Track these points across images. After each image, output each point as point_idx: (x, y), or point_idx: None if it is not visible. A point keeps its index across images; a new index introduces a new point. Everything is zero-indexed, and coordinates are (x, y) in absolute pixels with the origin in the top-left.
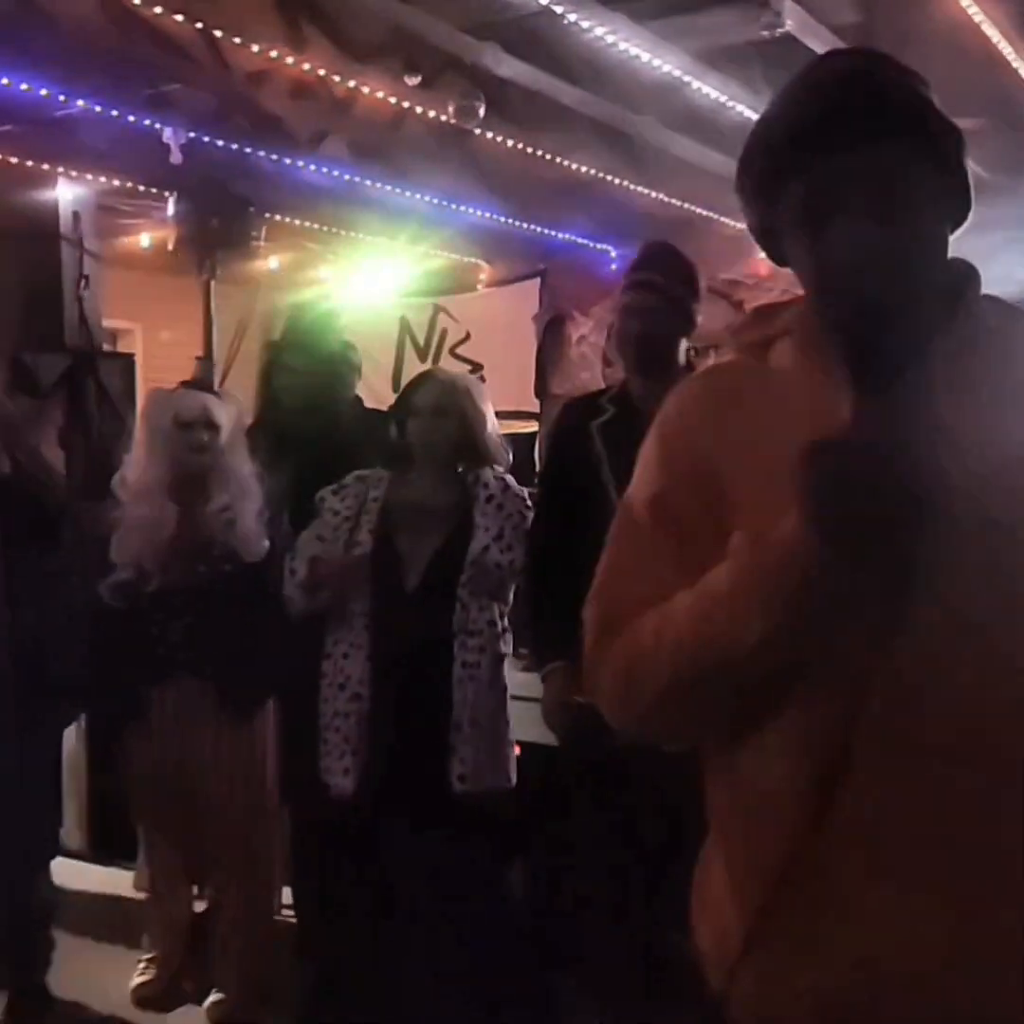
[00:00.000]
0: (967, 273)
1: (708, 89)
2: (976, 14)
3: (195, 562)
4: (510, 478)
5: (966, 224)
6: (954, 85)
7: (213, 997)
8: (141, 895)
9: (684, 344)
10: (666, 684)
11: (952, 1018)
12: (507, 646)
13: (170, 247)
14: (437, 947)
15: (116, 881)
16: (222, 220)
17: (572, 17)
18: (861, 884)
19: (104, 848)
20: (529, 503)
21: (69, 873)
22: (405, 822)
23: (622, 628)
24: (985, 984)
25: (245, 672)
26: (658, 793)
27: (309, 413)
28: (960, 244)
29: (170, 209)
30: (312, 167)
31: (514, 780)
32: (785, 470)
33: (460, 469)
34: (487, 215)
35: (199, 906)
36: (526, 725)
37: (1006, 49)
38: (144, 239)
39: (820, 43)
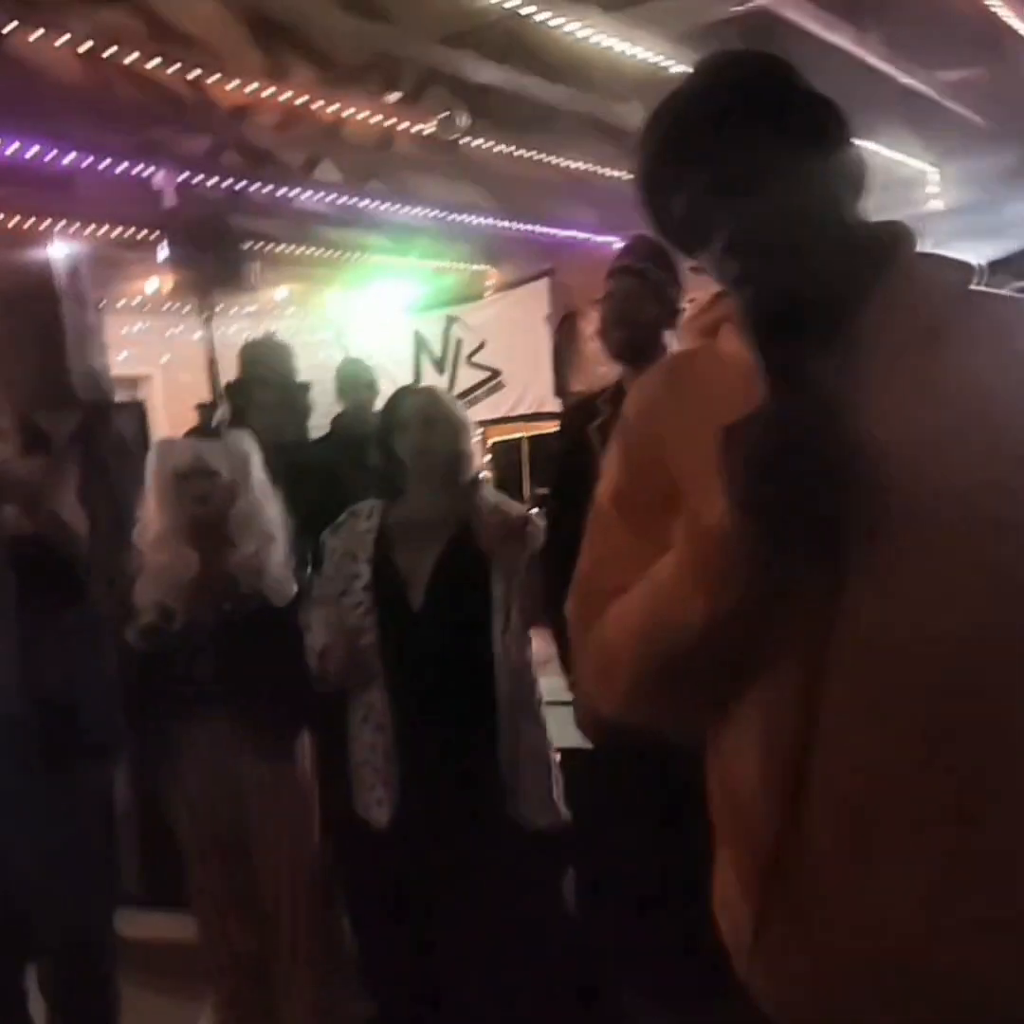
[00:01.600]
0: (896, 232)
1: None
2: None
3: (220, 600)
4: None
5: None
6: (942, 36)
7: None
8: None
9: (670, 335)
10: (632, 673)
11: (932, 991)
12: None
13: (165, 293)
14: (499, 972)
15: (179, 925)
16: (215, 259)
17: (541, 16)
18: (837, 867)
19: (163, 892)
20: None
21: (130, 921)
22: (453, 853)
23: (595, 622)
24: (963, 955)
25: (276, 708)
26: (696, 791)
27: (293, 447)
28: (956, 196)
29: (161, 255)
30: (308, 194)
31: (564, 809)
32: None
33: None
34: (488, 221)
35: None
36: (566, 730)
37: None
38: (151, 284)
39: (797, 12)
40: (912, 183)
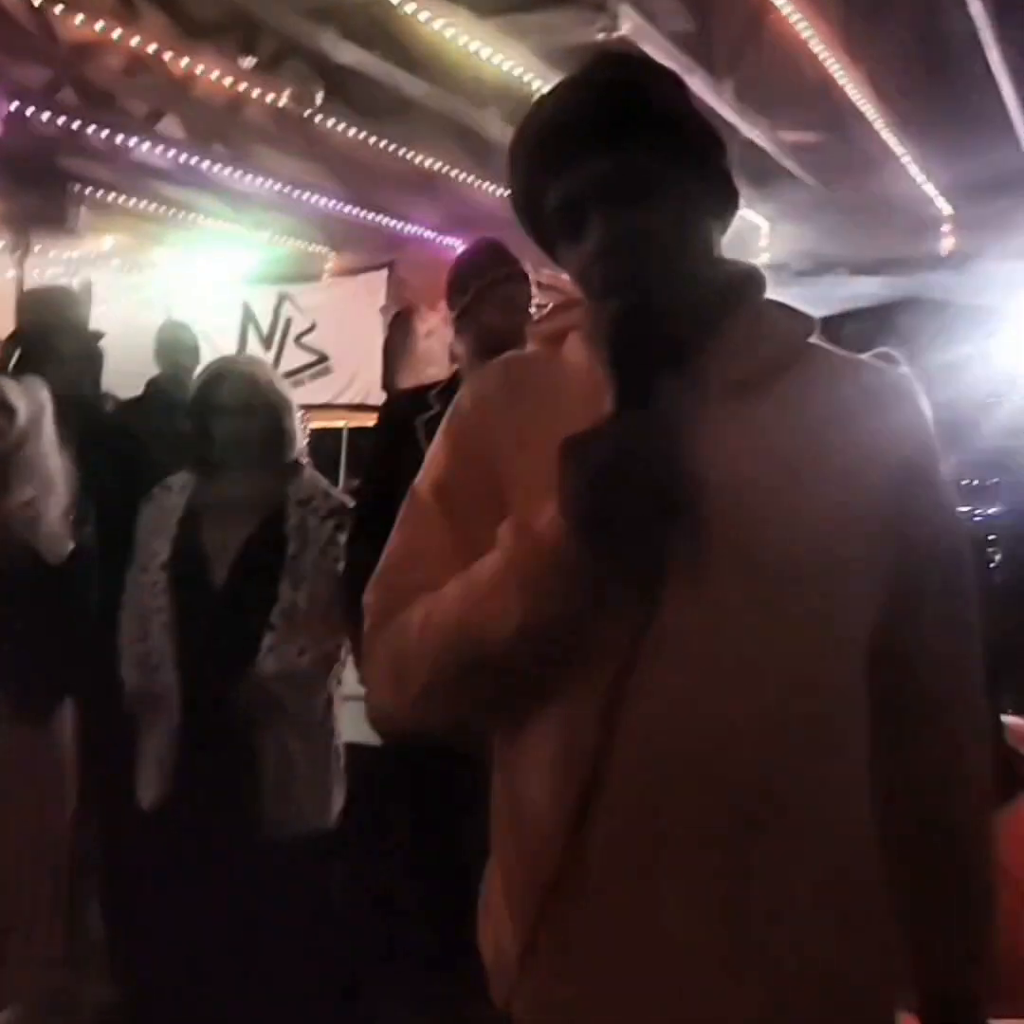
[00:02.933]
0: (749, 274)
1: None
2: (805, 30)
3: None
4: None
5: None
6: (788, 97)
7: (6, 1012)
8: None
9: None
10: (430, 671)
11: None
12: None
13: None
14: (254, 955)
15: None
16: (38, 197)
17: (410, 7)
18: (614, 898)
19: None
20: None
21: None
22: (211, 846)
23: (396, 615)
24: (736, 993)
25: (38, 671)
26: (480, 794)
27: (81, 406)
28: (784, 252)
29: None
30: (147, 146)
31: (334, 817)
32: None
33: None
34: (333, 204)
35: None
36: (351, 726)
37: (834, 66)
38: None
39: (655, 49)
40: (746, 235)
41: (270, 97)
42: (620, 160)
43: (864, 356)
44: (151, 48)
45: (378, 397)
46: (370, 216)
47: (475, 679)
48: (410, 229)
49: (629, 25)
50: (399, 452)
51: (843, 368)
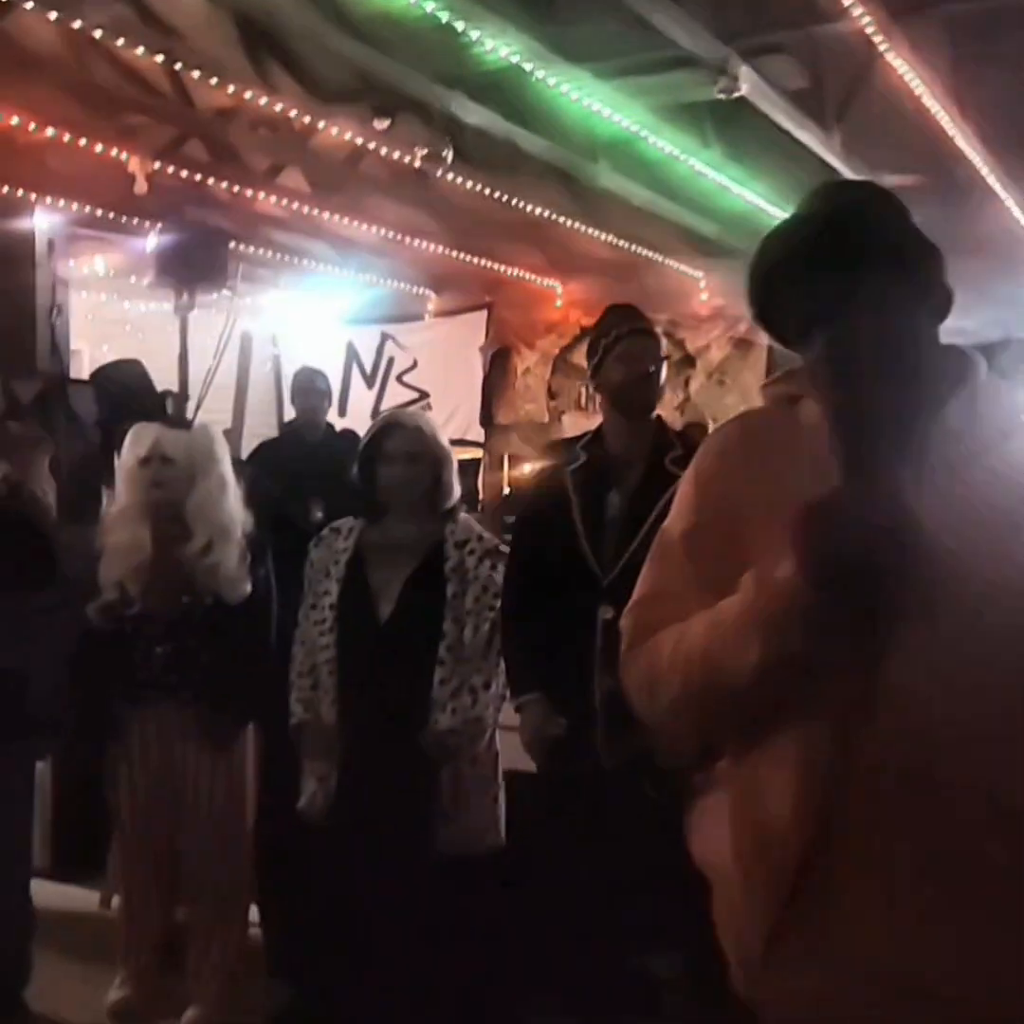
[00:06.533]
0: (965, 360)
1: (662, 143)
2: (917, 87)
3: (178, 593)
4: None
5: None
6: (894, 149)
7: (189, 1012)
8: (108, 912)
9: None
10: (678, 692)
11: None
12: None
13: (147, 281)
14: (412, 968)
15: (79, 898)
16: (202, 255)
17: (540, 73)
18: (857, 895)
19: (68, 867)
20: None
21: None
22: (374, 863)
23: (642, 643)
24: (981, 1001)
25: (225, 700)
26: (633, 818)
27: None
28: None
29: (151, 243)
30: (270, 198)
31: (503, 836)
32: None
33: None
34: (436, 247)
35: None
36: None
37: (944, 119)
38: (99, 263)
39: (771, 106)
40: None
41: (397, 155)
42: (867, 275)
43: None
44: (283, 111)
45: (476, 433)
46: (472, 258)
47: (716, 699)
48: (510, 271)
49: (748, 85)
50: (549, 496)
51: None
